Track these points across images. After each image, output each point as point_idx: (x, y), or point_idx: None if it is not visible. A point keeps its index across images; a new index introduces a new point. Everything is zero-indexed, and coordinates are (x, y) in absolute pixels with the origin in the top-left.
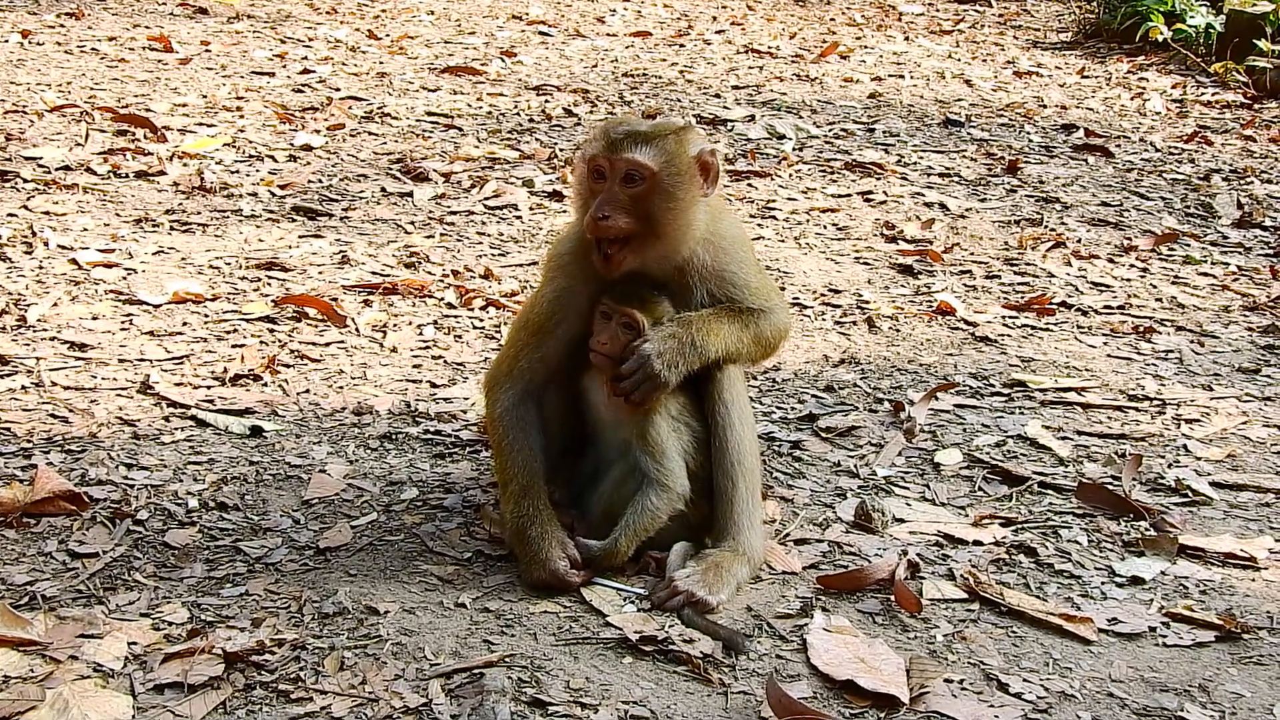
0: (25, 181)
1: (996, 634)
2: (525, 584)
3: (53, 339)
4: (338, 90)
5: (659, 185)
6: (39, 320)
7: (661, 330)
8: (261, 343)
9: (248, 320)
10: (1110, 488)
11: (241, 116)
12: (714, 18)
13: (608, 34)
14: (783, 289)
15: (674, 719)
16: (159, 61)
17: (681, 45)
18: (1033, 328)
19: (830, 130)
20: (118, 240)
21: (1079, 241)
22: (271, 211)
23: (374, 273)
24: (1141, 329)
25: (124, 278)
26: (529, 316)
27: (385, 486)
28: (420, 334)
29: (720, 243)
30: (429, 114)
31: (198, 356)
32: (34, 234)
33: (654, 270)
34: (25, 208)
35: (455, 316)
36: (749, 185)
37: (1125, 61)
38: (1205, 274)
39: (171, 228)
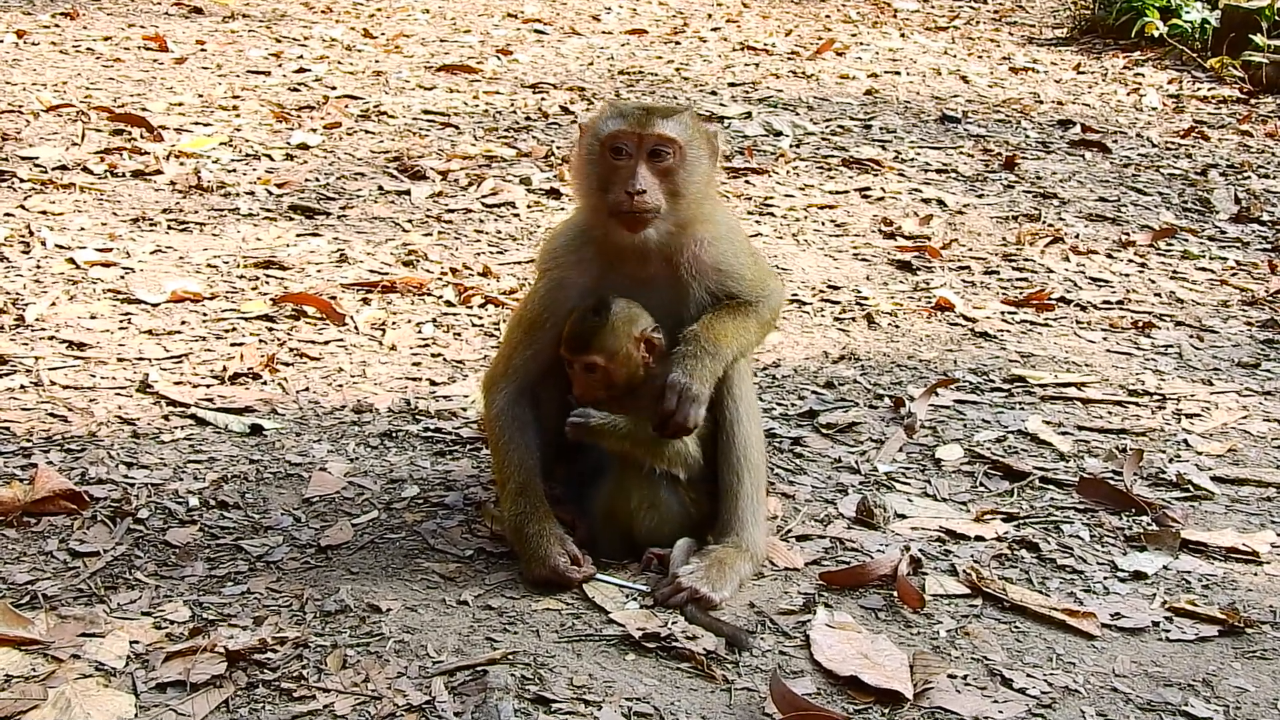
0: (22, 181)
1: (999, 629)
2: (526, 581)
3: (51, 338)
4: (334, 89)
5: (684, 159)
6: (37, 320)
7: (678, 354)
8: (260, 341)
9: (246, 319)
10: (1111, 483)
11: (238, 115)
12: (709, 15)
13: (603, 31)
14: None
15: (678, 716)
16: (154, 61)
17: (677, 43)
18: (1032, 323)
19: (827, 127)
20: (115, 239)
21: (1077, 237)
22: (269, 210)
23: (372, 271)
24: (1141, 324)
25: (122, 277)
26: (523, 314)
27: (386, 484)
28: (419, 332)
29: (716, 231)
30: (425, 112)
31: (197, 355)
32: (31, 234)
33: (655, 251)
34: (22, 207)
35: (454, 314)
36: (746, 182)
37: (1121, 57)
38: (1203, 269)
39: (169, 227)
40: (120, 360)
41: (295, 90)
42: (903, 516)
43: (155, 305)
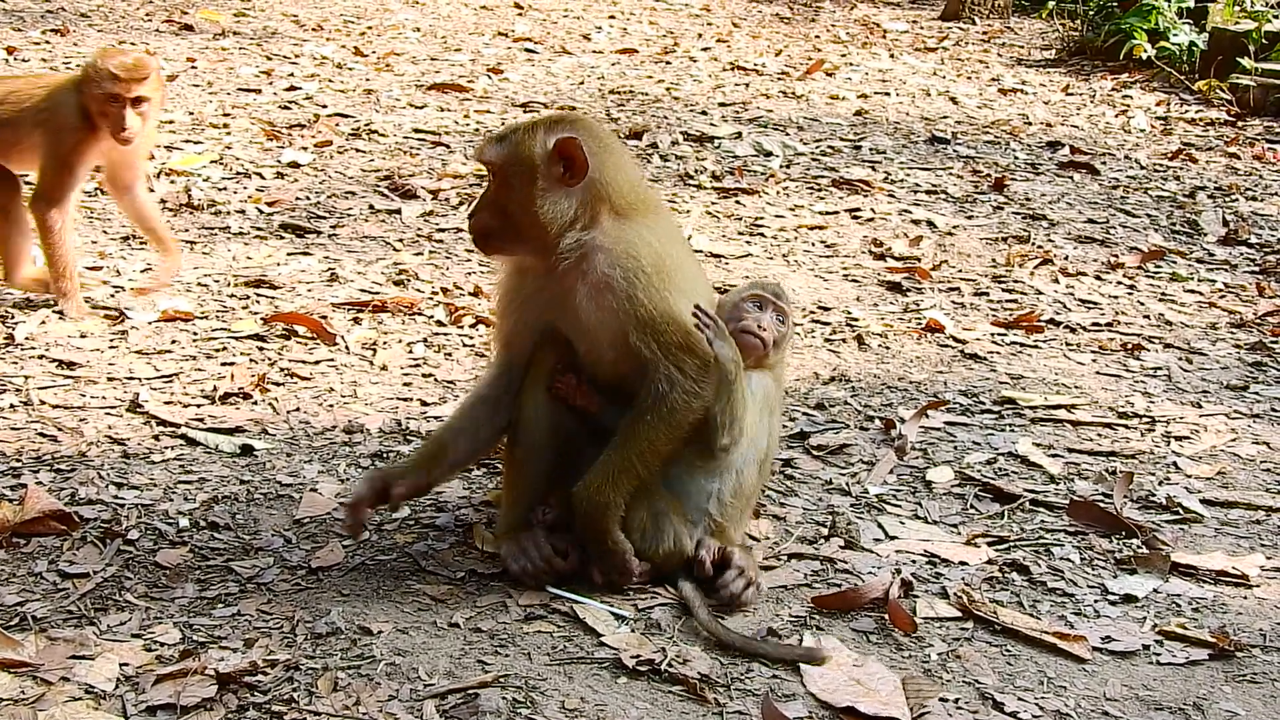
0: None
1: (991, 653)
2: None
3: (41, 357)
4: (324, 107)
5: (505, 179)
6: (27, 338)
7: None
8: (251, 361)
9: (237, 338)
10: (1102, 505)
11: (228, 133)
12: (700, 35)
13: (594, 51)
14: None
15: None
16: None
17: (667, 62)
18: (1021, 345)
19: (817, 147)
20: (105, 257)
21: (1066, 258)
22: (259, 229)
23: (363, 290)
24: (1130, 346)
25: (112, 295)
26: (496, 324)
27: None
28: (410, 352)
29: (606, 240)
30: (416, 131)
31: (187, 375)
32: None
33: (539, 268)
34: None
35: (445, 334)
36: (736, 203)
37: (1109, 79)
38: (1192, 291)
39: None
40: (110, 380)
41: (286, 108)
42: (894, 538)
43: (146, 324)
